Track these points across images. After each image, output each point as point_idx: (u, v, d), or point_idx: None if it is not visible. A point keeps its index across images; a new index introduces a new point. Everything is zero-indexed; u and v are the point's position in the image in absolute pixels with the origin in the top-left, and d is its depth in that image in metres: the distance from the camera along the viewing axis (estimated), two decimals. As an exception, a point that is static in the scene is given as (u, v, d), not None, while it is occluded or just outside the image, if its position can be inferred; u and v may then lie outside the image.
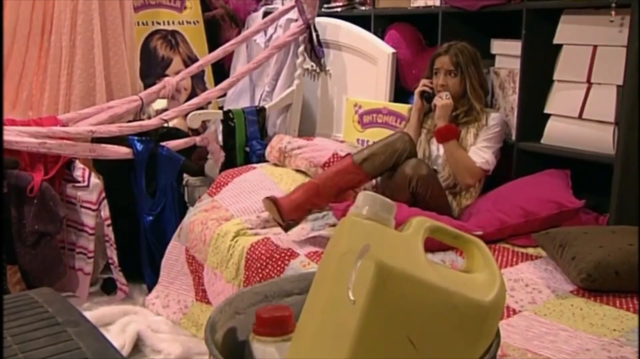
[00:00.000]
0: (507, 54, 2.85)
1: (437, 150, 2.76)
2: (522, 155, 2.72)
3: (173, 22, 3.83)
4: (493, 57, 2.95)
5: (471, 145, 2.68)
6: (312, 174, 2.86)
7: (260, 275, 2.24)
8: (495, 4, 2.79)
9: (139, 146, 3.14)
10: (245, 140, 3.31)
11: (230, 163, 3.27)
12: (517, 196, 2.45)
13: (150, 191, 3.17)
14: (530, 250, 2.25)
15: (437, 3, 3.11)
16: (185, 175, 3.27)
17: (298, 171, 2.94)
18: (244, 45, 3.75)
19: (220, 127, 3.32)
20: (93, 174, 3.14)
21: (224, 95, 3.74)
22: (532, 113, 2.69)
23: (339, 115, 3.50)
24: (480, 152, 2.67)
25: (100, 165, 3.22)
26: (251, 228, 2.50)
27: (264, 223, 2.54)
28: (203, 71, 3.75)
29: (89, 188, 3.10)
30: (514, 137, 2.75)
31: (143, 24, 3.74)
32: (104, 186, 3.14)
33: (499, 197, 2.52)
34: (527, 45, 2.66)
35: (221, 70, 3.90)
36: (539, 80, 2.66)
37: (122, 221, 3.17)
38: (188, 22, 3.87)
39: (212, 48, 3.73)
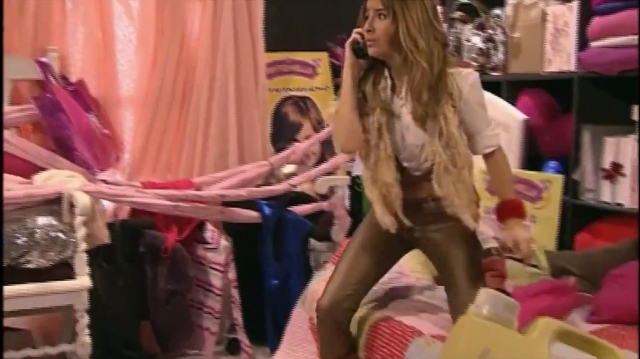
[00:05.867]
0: (650, 120, 2.68)
1: (406, 136, 2.14)
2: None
3: (304, 88, 3.94)
4: (634, 123, 2.78)
5: (458, 126, 2.09)
6: None
7: (381, 353, 2.19)
8: (635, 68, 2.64)
9: (267, 210, 3.21)
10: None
11: (356, 229, 3.25)
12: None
13: (276, 255, 3.22)
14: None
15: (572, 68, 2.99)
16: (311, 240, 3.29)
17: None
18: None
19: (348, 193, 3.33)
20: (223, 236, 3.24)
21: (352, 160, 3.76)
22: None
23: (468, 182, 3.41)
24: (490, 130, 2.17)
25: (229, 228, 3.31)
26: (374, 301, 2.45)
27: (391, 293, 2.49)
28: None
29: (218, 250, 3.20)
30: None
31: (275, 90, 3.87)
32: (232, 248, 3.22)
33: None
34: (671, 112, 2.49)
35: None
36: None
37: (248, 283, 3.24)
38: (318, 88, 3.96)
39: (341, 113, 3.78)
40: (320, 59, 3.96)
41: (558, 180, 2.92)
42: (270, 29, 3.66)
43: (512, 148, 3.16)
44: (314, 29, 3.93)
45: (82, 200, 2.71)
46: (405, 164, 2.18)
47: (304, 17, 3.93)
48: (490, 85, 3.39)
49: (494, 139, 2.19)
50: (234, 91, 3.51)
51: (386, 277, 2.51)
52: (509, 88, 3.33)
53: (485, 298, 0.89)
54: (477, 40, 3.46)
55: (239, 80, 3.54)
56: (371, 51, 2.12)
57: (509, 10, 3.25)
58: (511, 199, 2.18)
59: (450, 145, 2.09)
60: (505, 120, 3.19)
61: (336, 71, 4.03)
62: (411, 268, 2.72)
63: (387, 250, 2.29)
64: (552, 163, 3.05)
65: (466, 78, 2.13)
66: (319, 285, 2.73)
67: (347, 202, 3.34)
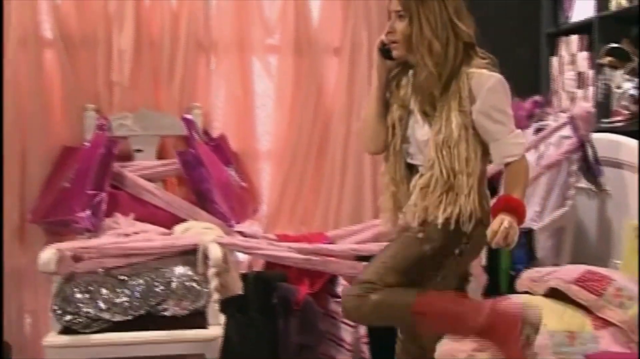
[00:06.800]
0: None
1: (416, 131, 2.14)
2: None
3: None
4: None
5: (460, 127, 2.03)
6: (564, 289, 2.60)
7: None
8: None
9: (401, 265, 3.14)
10: (511, 264, 3.13)
11: (493, 287, 3.10)
12: None
13: (408, 311, 3.13)
14: None
15: None
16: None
17: (554, 297, 2.69)
18: (513, 163, 3.61)
19: (485, 249, 3.19)
20: (354, 291, 3.19)
21: (492, 214, 3.60)
22: None
23: (618, 240, 3.14)
24: (513, 138, 2.08)
25: (362, 282, 3.26)
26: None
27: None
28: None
29: (350, 304, 3.15)
30: None
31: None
32: (364, 303, 3.17)
33: None
34: None
35: (491, 188, 3.78)
36: None
37: (379, 339, 3.15)
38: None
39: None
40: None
41: None
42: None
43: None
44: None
45: (215, 252, 2.79)
46: (411, 161, 2.18)
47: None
48: (643, 134, 3.14)
49: (516, 148, 2.09)
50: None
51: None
52: (665, 137, 3.05)
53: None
54: (629, 87, 3.24)
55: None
56: (394, 53, 2.14)
57: (665, 53, 3.01)
58: (509, 196, 2.06)
59: (449, 145, 2.03)
60: (660, 174, 2.93)
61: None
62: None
63: None
64: None
65: (484, 81, 2.06)
66: (449, 345, 2.62)
67: (483, 259, 3.19)
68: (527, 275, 2.88)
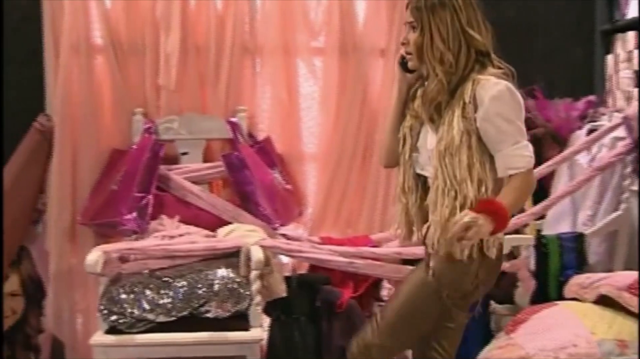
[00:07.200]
0: None
1: (429, 142, 2.08)
2: None
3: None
4: None
5: (462, 133, 1.95)
6: (615, 296, 2.51)
7: None
8: None
9: (449, 268, 3.08)
10: (560, 269, 3.04)
11: (542, 293, 3.03)
12: None
13: (454, 316, 3.07)
14: None
15: None
16: (491, 302, 3.10)
17: (604, 304, 2.60)
18: (565, 164, 3.50)
19: (533, 253, 3.11)
20: (399, 295, 3.15)
21: (542, 217, 3.50)
22: None
23: (676, 246, 3.02)
24: (516, 149, 1.96)
25: (407, 286, 3.22)
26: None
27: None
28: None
29: (394, 308, 3.11)
30: None
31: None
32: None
33: None
34: None
35: (542, 190, 3.67)
36: None
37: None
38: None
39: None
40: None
41: None
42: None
43: None
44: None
45: (257, 255, 2.80)
46: (421, 172, 2.14)
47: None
48: None
49: (519, 161, 1.97)
50: (416, 144, 3.45)
51: (562, 342, 2.37)
52: None
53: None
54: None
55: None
56: (409, 65, 2.11)
57: None
58: (492, 199, 1.95)
59: (451, 152, 1.97)
60: None
61: (527, 123, 3.80)
62: (590, 328, 2.45)
63: None
64: None
65: (489, 88, 1.97)
66: (490, 353, 2.57)
67: (532, 263, 3.11)
68: (576, 281, 2.80)
